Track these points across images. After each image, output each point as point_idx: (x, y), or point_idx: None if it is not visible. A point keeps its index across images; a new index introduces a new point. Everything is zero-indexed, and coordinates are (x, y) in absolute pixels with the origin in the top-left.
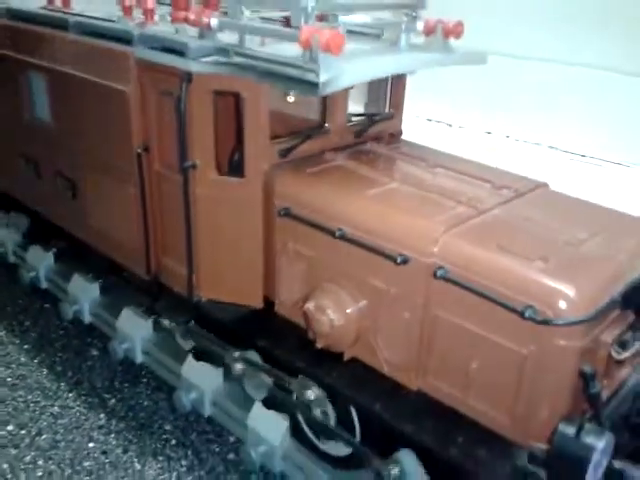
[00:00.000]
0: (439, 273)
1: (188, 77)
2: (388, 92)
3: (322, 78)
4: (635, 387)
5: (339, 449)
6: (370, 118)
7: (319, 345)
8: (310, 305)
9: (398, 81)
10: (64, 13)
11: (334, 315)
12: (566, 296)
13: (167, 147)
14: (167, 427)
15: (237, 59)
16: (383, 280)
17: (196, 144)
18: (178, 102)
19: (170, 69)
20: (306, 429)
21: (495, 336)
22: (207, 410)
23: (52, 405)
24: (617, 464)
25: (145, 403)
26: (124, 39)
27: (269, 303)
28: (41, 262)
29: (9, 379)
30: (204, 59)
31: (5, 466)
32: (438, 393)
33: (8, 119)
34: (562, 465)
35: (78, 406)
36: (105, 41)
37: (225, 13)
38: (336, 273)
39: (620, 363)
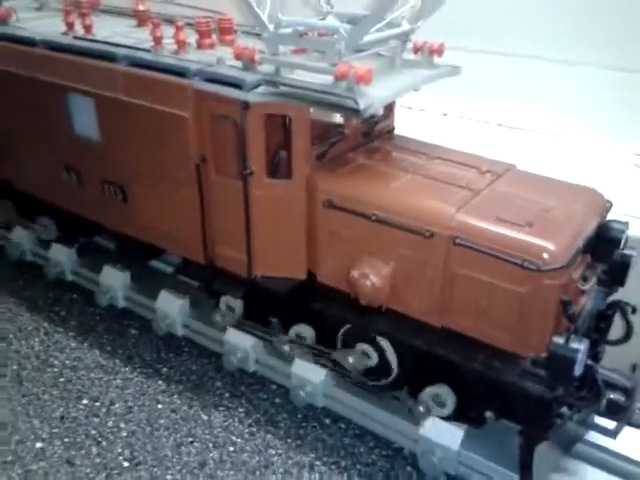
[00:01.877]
0: (457, 241)
1: (245, 105)
2: None
3: (362, 105)
4: (590, 310)
5: None
6: (372, 120)
7: (363, 302)
8: (355, 273)
9: None
10: (100, 42)
11: (374, 279)
12: (549, 250)
13: (223, 159)
14: (218, 384)
15: (284, 89)
16: (412, 250)
17: (252, 156)
18: (238, 125)
19: (228, 98)
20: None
21: (500, 282)
22: (251, 367)
23: (114, 379)
24: (589, 362)
25: (193, 367)
26: (181, 72)
27: (310, 275)
28: (65, 258)
29: (67, 362)
30: (257, 90)
31: (94, 432)
32: (459, 326)
33: (48, 134)
34: (557, 364)
35: (137, 377)
36: (158, 73)
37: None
38: (373, 248)
39: (583, 292)
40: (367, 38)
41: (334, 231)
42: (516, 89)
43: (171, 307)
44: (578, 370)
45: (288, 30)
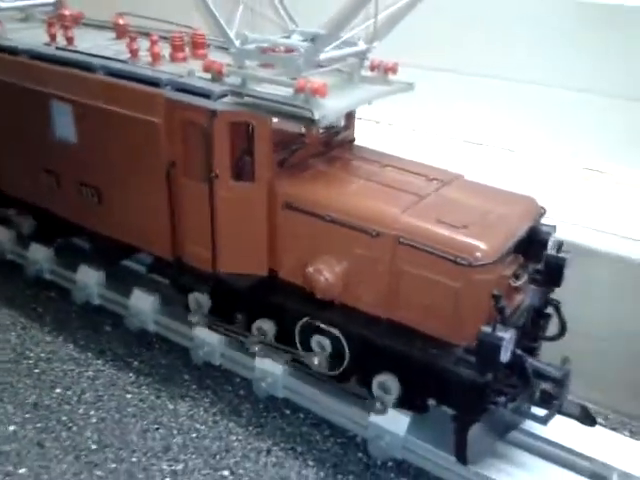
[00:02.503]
0: (401, 240)
1: (212, 113)
2: None
3: (317, 116)
4: (527, 307)
5: None
6: (333, 131)
7: (318, 296)
8: (310, 269)
9: None
10: (81, 53)
11: (327, 275)
12: (479, 248)
13: (190, 163)
14: (186, 377)
15: (248, 99)
16: (361, 248)
17: (218, 160)
18: (205, 131)
19: (197, 107)
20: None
21: (438, 277)
22: (217, 360)
23: (86, 370)
24: (518, 352)
25: (163, 361)
26: (153, 82)
27: (271, 272)
28: (44, 257)
29: (42, 354)
30: (223, 100)
31: (64, 418)
32: (402, 319)
33: (30, 139)
34: (484, 350)
35: (108, 369)
36: (133, 82)
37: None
38: (327, 246)
39: (517, 290)
40: (325, 55)
41: (292, 231)
42: (481, 108)
43: (143, 304)
44: (504, 356)
45: (253, 46)
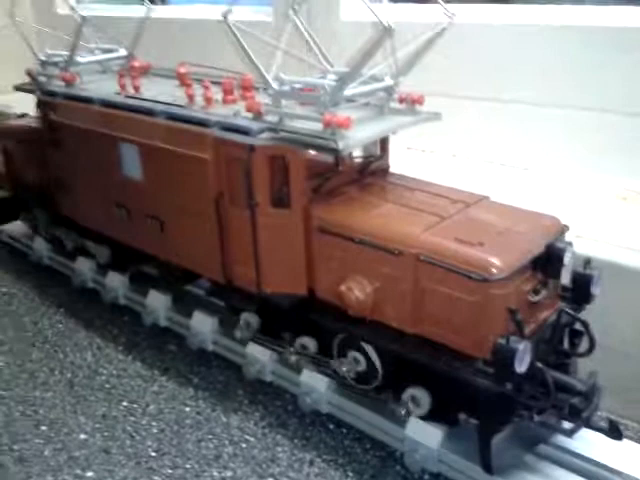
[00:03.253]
0: (421, 258)
1: (251, 148)
2: (378, 140)
3: (341, 146)
4: (552, 323)
5: None
6: (367, 159)
7: (350, 313)
8: (343, 287)
9: None
10: (145, 100)
11: (358, 293)
12: (494, 264)
13: (235, 193)
14: (239, 392)
15: (283, 134)
16: (387, 267)
17: (258, 190)
18: (245, 164)
19: (239, 143)
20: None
21: (457, 292)
22: (268, 377)
23: (152, 386)
24: (539, 365)
25: (219, 378)
26: (203, 123)
27: (310, 292)
28: (119, 284)
29: (114, 371)
30: (261, 136)
31: (129, 428)
32: (427, 333)
33: (103, 177)
34: (499, 361)
35: (171, 385)
36: (187, 124)
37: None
38: (357, 266)
39: (540, 306)
40: (352, 91)
41: (326, 252)
42: (516, 131)
43: (203, 325)
44: (519, 367)
45: (288, 87)
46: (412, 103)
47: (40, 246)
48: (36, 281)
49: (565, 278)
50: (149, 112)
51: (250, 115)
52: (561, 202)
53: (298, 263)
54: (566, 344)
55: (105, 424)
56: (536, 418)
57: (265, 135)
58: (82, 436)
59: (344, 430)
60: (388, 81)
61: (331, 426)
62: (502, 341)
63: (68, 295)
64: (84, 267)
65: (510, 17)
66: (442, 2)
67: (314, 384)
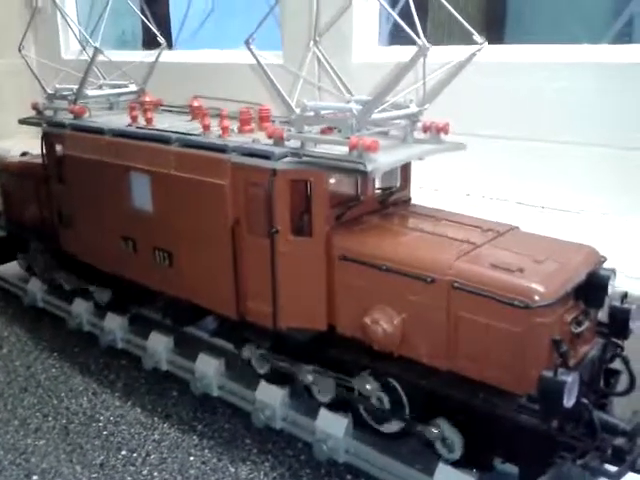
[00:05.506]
0: (455, 285)
1: (273, 172)
2: (399, 172)
3: (369, 168)
4: (593, 359)
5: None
6: (388, 190)
7: (376, 348)
8: (367, 320)
9: (405, 164)
10: (158, 130)
11: (385, 325)
12: (536, 290)
13: (253, 220)
14: (247, 441)
15: (306, 158)
16: (417, 296)
17: (278, 216)
18: (267, 189)
19: (259, 168)
20: (365, 416)
21: (495, 322)
22: (278, 424)
23: (152, 433)
24: (584, 401)
25: (226, 426)
26: (220, 149)
27: (330, 327)
28: (118, 326)
29: (111, 418)
30: (283, 160)
31: (129, 478)
32: (462, 370)
33: (111, 209)
34: (546, 396)
35: (173, 432)
36: (203, 151)
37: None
38: (383, 296)
39: (581, 340)
40: (378, 116)
41: (349, 282)
42: (531, 170)
43: (208, 368)
44: (567, 401)
45: (311, 112)
46: (437, 132)
47: (35, 288)
48: (29, 324)
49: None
50: (163, 140)
51: (270, 141)
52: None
53: (318, 295)
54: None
55: (103, 474)
56: (578, 462)
57: (288, 159)
58: None
59: None
60: (413, 108)
61: (348, 477)
62: (549, 373)
63: (63, 339)
64: (81, 309)
65: (519, 55)
66: (472, 29)
67: (331, 430)
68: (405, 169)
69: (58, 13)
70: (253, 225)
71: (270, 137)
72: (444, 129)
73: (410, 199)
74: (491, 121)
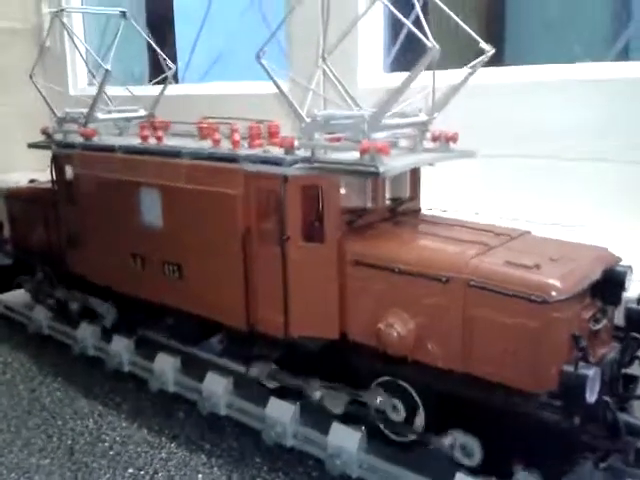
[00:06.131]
0: (471, 283)
1: (285, 179)
2: (408, 183)
3: (382, 169)
4: (611, 360)
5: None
6: (399, 200)
7: (389, 352)
8: (382, 324)
9: (414, 175)
10: (168, 146)
11: (399, 328)
12: (554, 285)
13: (264, 228)
14: (257, 460)
15: (317, 164)
16: (432, 297)
17: (290, 223)
18: (278, 196)
19: (271, 175)
20: (380, 426)
21: (513, 319)
22: (289, 441)
23: (159, 452)
24: (605, 398)
25: (234, 445)
26: (231, 160)
27: (342, 335)
28: (124, 349)
29: (117, 438)
30: (295, 166)
31: None
32: (478, 371)
33: (120, 227)
34: (568, 390)
35: (181, 452)
36: (214, 162)
37: None
38: (397, 299)
39: (600, 342)
40: (388, 121)
41: (362, 287)
42: (538, 187)
43: (216, 386)
44: (590, 396)
45: (321, 120)
46: (446, 141)
47: (39, 315)
48: (34, 350)
49: (618, 316)
50: (174, 154)
51: (281, 152)
52: None
53: (330, 302)
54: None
55: None
56: (601, 465)
57: (299, 165)
58: None
59: None
60: (422, 117)
61: None
62: (570, 368)
63: (68, 364)
64: (86, 333)
65: (519, 76)
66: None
67: (344, 444)
68: (414, 180)
69: (67, 52)
70: (264, 233)
71: (281, 146)
72: (453, 138)
73: (420, 209)
74: (495, 141)
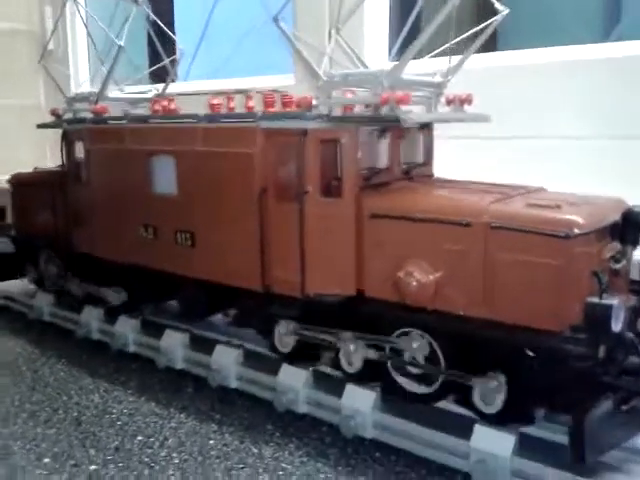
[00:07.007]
0: (493, 224)
1: (304, 133)
2: (422, 148)
3: (402, 116)
4: (629, 307)
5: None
6: (412, 164)
7: (408, 302)
8: (401, 273)
9: (427, 141)
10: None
11: (419, 276)
12: (575, 221)
13: (281, 186)
14: (269, 426)
15: (337, 117)
16: (453, 243)
17: (309, 177)
18: (297, 150)
19: (290, 130)
20: (398, 380)
21: (535, 258)
22: (302, 407)
23: (169, 422)
24: (630, 334)
25: (245, 415)
26: (248, 119)
27: (359, 292)
28: (130, 329)
29: (125, 410)
30: (314, 121)
31: (146, 459)
32: (501, 315)
33: (131, 198)
34: (594, 320)
35: (191, 421)
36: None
37: None
38: (416, 248)
39: (618, 286)
40: (406, 77)
41: (380, 240)
42: (534, 167)
43: (226, 358)
44: (615, 325)
45: (338, 77)
46: (460, 104)
47: (41, 302)
48: (36, 336)
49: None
50: (191, 117)
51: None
52: None
53: (347, 258)
54: None
55: (119, 456)
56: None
57: (317, 120)
58: (92, 467)
59: (393, 458)
60: (437, 79)
61: (377, 454)
62: (594, 299)
63: (70, 347)
64: (90, 317)
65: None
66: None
67: (358, 405)
68: (427, 146)
69: (70, 55)
70: (281, 191)
71: (298, 106)
72: (468, 100)
73: (433, 174)
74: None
